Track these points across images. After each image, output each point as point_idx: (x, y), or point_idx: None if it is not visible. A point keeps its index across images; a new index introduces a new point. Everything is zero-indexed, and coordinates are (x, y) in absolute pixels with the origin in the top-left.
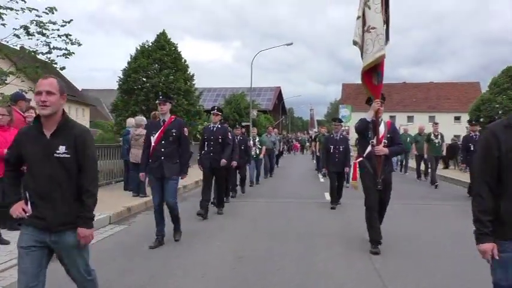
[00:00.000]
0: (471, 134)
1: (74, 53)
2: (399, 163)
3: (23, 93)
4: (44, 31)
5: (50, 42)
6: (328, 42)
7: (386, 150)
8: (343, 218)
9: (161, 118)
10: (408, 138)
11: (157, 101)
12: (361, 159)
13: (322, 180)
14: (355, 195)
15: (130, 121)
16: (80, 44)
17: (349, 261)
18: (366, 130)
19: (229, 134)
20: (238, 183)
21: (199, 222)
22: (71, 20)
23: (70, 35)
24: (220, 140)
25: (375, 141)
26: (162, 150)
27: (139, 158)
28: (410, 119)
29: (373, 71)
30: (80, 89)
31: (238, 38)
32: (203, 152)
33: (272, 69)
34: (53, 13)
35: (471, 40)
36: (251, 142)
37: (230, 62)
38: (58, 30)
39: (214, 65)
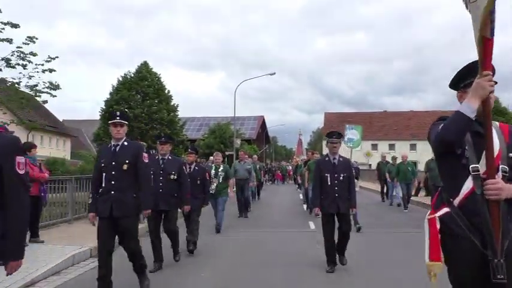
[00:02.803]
0: None
1: (55, 96)
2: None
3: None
4: (26, 63)
5: (33, 76)
6: (312, 72)
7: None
8: None
9: None
10: (410, 168)
11: None
12: (446, 210)
13: (305, 209)
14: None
15: None
16: (59, 88)
17: None
18: (459, 141)
19: (144, 157)
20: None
21: (184, 252)
22: (57, 57)
23: (54, 70)
24: (126, 168)
25: (480, 167)
26: None
27: None
28: (391, 146)
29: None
30: (61, 120)
31: (223, 67)
32: (100, 190)
33: (256, 98)
34: (34, 42)
35: (450, 70)
36: (212, 172)
37: (214, 91)
38: (42, 65)
39: (198, 94)
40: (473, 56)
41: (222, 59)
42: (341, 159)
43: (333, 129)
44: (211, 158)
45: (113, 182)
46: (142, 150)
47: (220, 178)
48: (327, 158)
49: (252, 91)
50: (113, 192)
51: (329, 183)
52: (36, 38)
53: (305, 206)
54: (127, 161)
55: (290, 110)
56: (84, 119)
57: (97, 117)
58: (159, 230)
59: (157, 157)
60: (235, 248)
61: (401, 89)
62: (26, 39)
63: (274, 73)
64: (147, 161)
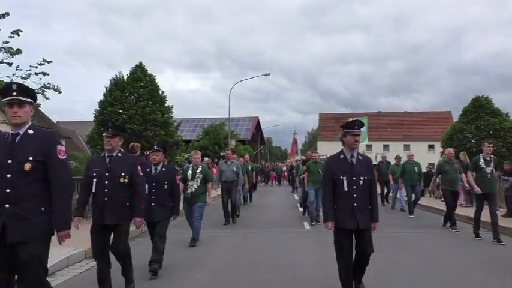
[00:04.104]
0: None
1: (48, 98)
2: (403, 200)
3: None
4: (18, 64)
5: (26, 79)
6: (307, 72)
7: None
8: (322, 247)
9: None
10: (416, 168)
11: None
12: None
13: (301, 209)
14: None
15: None
16: (59, 92)
17: None
18: None
19: (60, 151)
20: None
21: (178, 253)
22: (50, 61)
23: (47, 74)
24: (28, 168)
25: None
26: None
27: None
28: (386, 147)
29: None
30: (55, 121)
31: (218, 68)
32: None
33: (252, 99)
34: (18, 35)
35: (445, 70)
36: (189, 174)
37: (210, 92)
38: (36, 67)
39: (194, 95)
40: (468, 56)
41: (218, 60)
42: (360, 157)
43: (328, 130)
44: (206, 159)
45: (8, 190)
46: (57, 141)
47: (199, 181)
48: (341, 156)
49: (247, 92)
50: (7, 205)
51: (345, 189)
52: (21, 31)
53: (301, 209)
54: (30, 158)
55: (286, 110)
56: (78, 120)
57: (91, 118)
58: (106, 252)
59: (102, 154)
60: (229, 248)
61: (397, 90)
62: (11, 33)
63: (269, 74)
64: (63, 156)
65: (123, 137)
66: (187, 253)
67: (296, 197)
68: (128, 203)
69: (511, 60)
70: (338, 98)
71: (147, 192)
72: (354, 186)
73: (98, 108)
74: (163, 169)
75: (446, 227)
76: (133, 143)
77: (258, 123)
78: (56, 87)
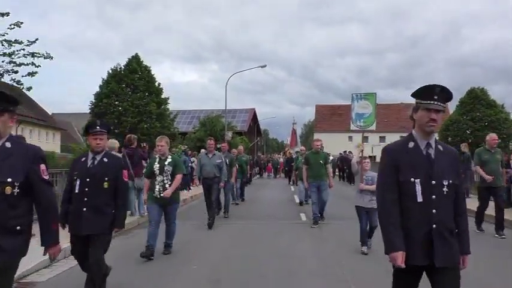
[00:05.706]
0: None
1: (37, 72)
2: None
3: None
4: (11, 48)
5: (15, 62)
6: (305, 64)
7: None
8: (320, 239)
9: None
10: None
11: None
12: None
13: (297, 201)
14: (330, 214)
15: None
16: (51, 58)
17: (327, 282)
18: None
19: None
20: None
21: (174, 246)
22: (37, 39)
23: (36, 54)
24: None
25: None
26: None
27: None
28: (382, 139)
29: None
30: (50, 113)
31: (216, 60)
32: None
33: (250, 91)
34: (19, 27)
35: (443, 63)
36: (156, 166)
37: (207, 84)
38: (23, 49)
39: (191, 87)
40: (466, 49)
41: (216, 52)
42: (441, 147)
43: (324, 122)
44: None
45: None
46: None
47: (169, 175)
48: (411, 144)
49: (245, 84)
50: None
51: (419, 199)
52: (22, 22)
53: (296, 198)
54: None
55: (283, 103)
56: (74, 112)
57: (87, 110)
58: None
59: None
60: (226, 239)
61: (395, 82)
62: (11, 25)
63: (265, 65)
64: None
65: (14, 114)
66: (184, 245)
67: (293, 188)
68: (18, 227)
69: (508, 53)
70: (336, 90)
71: (77, 191)
72: (434, 196)
73: (93, 100)
74: (105, 159)
75: (481, 231)
76: (129, 135)
77: (255, 115)
78: (46, 54)
